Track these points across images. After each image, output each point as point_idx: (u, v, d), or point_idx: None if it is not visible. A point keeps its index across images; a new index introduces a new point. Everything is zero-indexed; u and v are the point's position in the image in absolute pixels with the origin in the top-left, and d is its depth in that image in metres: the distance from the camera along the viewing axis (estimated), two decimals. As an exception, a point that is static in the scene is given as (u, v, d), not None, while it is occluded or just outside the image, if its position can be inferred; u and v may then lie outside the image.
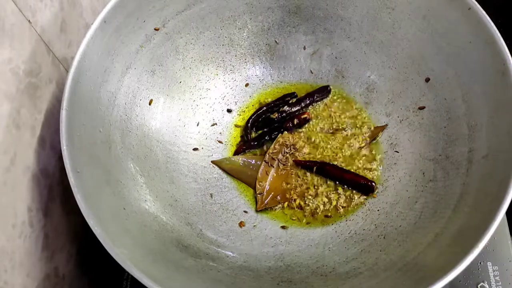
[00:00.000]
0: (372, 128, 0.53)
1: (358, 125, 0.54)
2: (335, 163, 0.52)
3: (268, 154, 0.53)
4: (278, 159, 0.52)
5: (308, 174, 0.52)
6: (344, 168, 0.51)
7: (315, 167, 0.51)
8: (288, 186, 0.51)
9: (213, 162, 0.53)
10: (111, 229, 0.36)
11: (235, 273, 0.43)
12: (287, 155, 0.52)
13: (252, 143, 0.54)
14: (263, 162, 0.52)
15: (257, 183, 0.51)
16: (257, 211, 0.50)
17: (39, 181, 0.39)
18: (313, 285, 0.41)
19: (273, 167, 0.52)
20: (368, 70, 0.54)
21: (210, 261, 0.44)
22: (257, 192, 0.50)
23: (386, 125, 0.53)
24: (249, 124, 0.55)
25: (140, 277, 0.33)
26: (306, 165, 0.52)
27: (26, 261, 0.36)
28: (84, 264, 0.47)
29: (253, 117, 0.55)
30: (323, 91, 0.56)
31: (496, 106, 0.40)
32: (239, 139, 0.56)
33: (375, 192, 0.49)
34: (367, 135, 0.53)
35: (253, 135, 0.56)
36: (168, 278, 0.36)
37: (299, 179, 0.52)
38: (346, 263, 0.43)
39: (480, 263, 0.44)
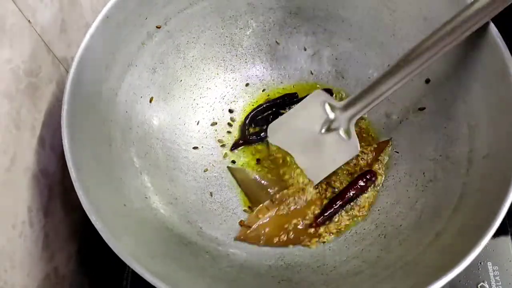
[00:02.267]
0: (375, 144, 0.52)
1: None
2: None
3: (280, 194, 0.50)
4: (286, 204, 0.49)
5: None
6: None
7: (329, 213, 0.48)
8: (282, 229, 0.48)
9: (229, 168, 0.52)
10: (112, 226, 0.36)
11: (236, 271, 0.43)
12: (298, 201, 0.50)
13: (249, 138, 0.54)
14: (269, 200, 0.49)
15: (252, 213, 0.48)
16: (235, 239, 0.47)
17: (39, 181, 0.39)
18: (314, 284, 0.41)
19: (277, 207, 0.49)
20: (368, 71, 0.54)
21: (210, 259, 0.44)
22: (246, 222, 0.47)
23: (391, 138, 0.52)
24: (247, 121, 0.55)
25: (142, 272, 0.33)
26: (323, 220, 0.48)
27: (26, 261, 0.36)
28: (84, 264, 0.47)
29: (252, 113, 0.55)
30: None
31: (496, 106, 0.40)
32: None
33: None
34: (371, 152, 0.51)
35: (251, 130, 0.56)
36: (168, 275, 0.36)
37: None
38: (346, 262, 0.43)
39: (480, 263, 0.44)
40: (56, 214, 0.42)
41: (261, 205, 0.49)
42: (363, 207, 0.48)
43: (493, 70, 0.40)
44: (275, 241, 0.47)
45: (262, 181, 0.51)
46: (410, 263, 0.38)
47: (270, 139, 0.52)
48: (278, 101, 0.56)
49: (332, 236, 0.47)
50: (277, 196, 0.50)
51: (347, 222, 0.48)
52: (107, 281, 0.48)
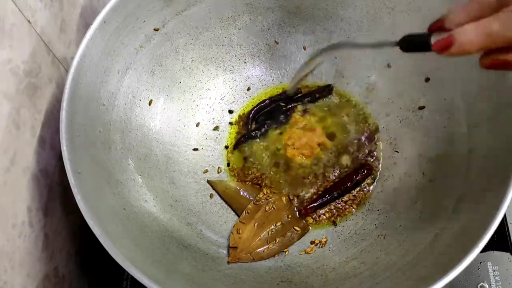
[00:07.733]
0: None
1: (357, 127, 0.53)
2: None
3: (260, 195, 0.51)
4: (266, 204, 0.50)
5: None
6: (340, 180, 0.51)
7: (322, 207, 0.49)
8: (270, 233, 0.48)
9: (209, 181, 0.52)
10: (111, 230, 0.36)
11: (235, 273, 0.43)
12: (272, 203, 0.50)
13: (252, 134, 0.54)
14: (252, 203, 0.50)
15: (234, 229, 0.48)
16: (228, 263, 0.46)
17: (39, 181, 0.39)
18: (313, 285, 0.41)
19: (254, 216, 0.49)
20: (368, 70, 0.54)
21: (210, 261, 0.44)
22: (230, 244, 0.47)
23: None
24: (250, 116, 0.55)
25: (140, 277, 0.33)
26: (313, 208, 0.49)
27: (26, 261, 0.36)
28: (84, 264, 0.47)
29: (255, 109, 0.56)
30: (325, 90, 0.56)
31: (496, 106, 0.40)
32: (239, 138, 0.56)
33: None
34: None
35: (253, 126, 0.56)
36: (168, 278, 0.36)
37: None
38: (346, 263, 0.43)
39: (480, 263, 0.44)
40: (56, 214, 0.42)
41: (238, 221, 0.49)
42: (356, 202, 0.49)
43: (493, 70, 0.40)
44: (264, 253, 0.46)
45: (241, 189, 0.51)
46: (409, 264, 0.37)
47: None
48: (279, 96, 0.56)
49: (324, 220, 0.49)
50: (257, 197, 0.50)
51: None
52: (107, 281, 0.48)
